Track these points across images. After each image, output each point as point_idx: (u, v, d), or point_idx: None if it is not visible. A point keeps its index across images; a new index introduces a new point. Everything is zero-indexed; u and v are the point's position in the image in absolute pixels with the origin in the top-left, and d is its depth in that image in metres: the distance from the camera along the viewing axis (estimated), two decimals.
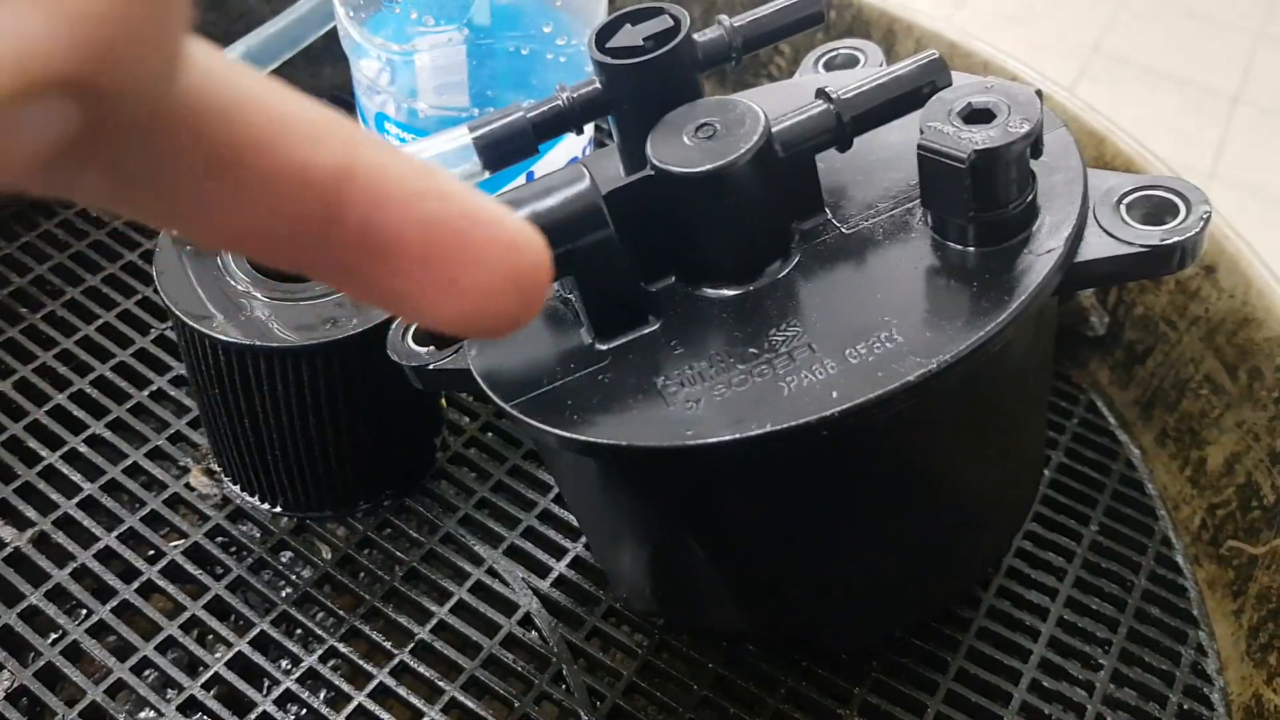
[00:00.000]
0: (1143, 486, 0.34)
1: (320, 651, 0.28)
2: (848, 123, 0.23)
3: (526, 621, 0.29)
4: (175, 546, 0.31)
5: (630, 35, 0.23)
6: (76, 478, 0.32)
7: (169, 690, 0.28)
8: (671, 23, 0.23)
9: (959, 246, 0.22)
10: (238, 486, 0.32)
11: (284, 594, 0.30)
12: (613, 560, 0.29)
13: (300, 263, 0.11)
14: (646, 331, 0.23)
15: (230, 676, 0.28)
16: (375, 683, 0.28)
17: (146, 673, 0.28)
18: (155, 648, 0.28)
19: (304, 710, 0.28)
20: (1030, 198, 0.22)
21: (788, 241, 0.24)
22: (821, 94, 0.23)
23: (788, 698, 0.28)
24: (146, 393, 0.34)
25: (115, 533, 0.30)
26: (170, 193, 0.10)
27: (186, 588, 0.30)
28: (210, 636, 0.29)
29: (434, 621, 0.29)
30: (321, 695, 0.28)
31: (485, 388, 0.23)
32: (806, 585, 0.27)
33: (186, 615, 0.29)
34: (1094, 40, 1.29)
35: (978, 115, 0.22)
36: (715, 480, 0.24)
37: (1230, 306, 0.33)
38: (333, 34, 0.32)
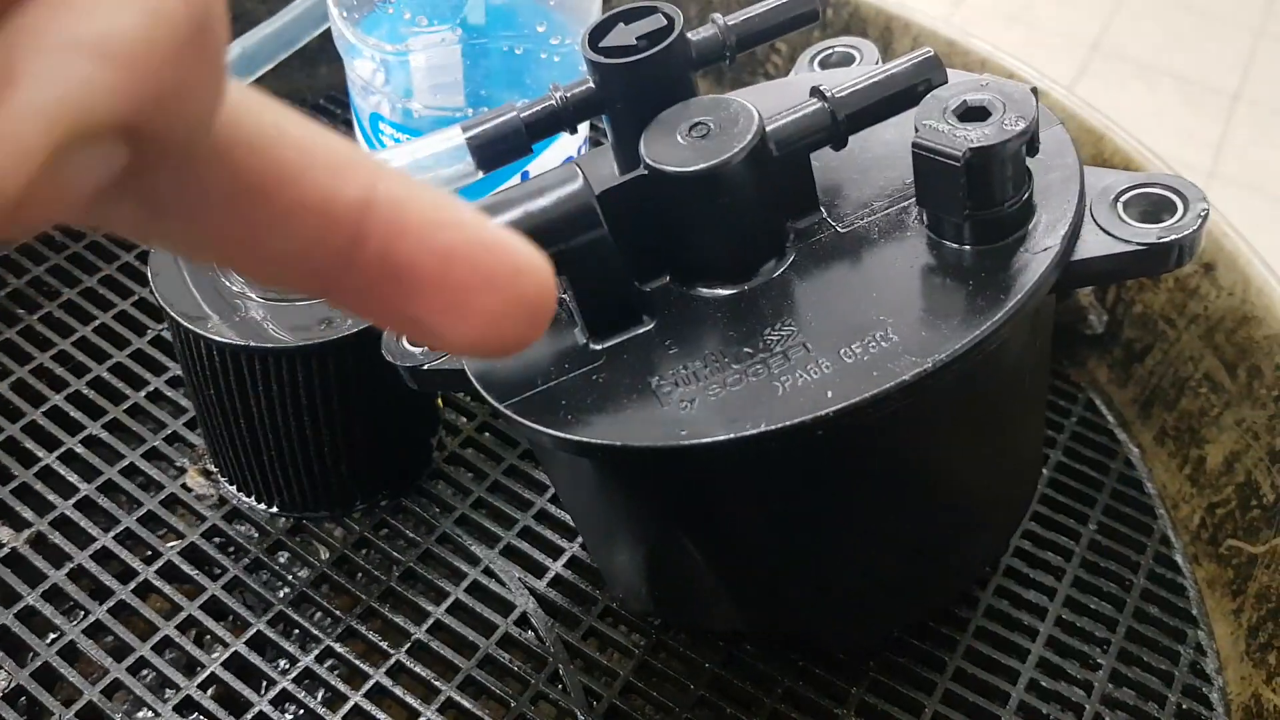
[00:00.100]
0: (1142, 485, 0.34)
1: (317, 651, 0.28)
2: (842, 121, 0.23)
3: (523, 621, 0.29)
4: (172, 547, 0.31)
5: (623, 34, 0.23)
6: (73, 478, 0.32)
7: (166, 690, 0.28)
8: (665, 21, 0.23)
9: (954, 245, 0.22)
10: (234, 487, 0.32)
11: (281, 594, 0.30)
12: (609, 560, 0.29)
13: (321, 289, 0.11)
14: (641, 331, 0.23)
15: (227, 677, 0.28)
16: (372, 683, 0.28)
17: (143, 673, 0.28)
18: (152, 648, 0.28)
19: (301, 710, 0.28)
20: (1026, 196, 0.22)
21: (782, 241, 0.24)
22: (816, 92, 0.23)
23: (785, 697, 0.28)
24: (143, 394, 0.34)
25: (112, 533, 0.30)
26: (199, 223, 0.10)
27: (183, 588, 0.30)
28: (207, 637, 0.29)
29: (430, 621, 0.29)
30: (318, 695, 0.28)
31: (479, 388, 0.23)
32: (803, 585, 0.27)
33: (183, 615, 0.29)
34: (1094, 37, 1.28)
35: (973, 113, 0.21)
36: (710, 480, 0.24)
37: (1229, 304, 0.33)
38: (329, 34, 0.32)
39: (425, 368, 0.25)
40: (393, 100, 0.31)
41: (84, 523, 0.31)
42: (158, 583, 0.30)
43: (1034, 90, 0.22)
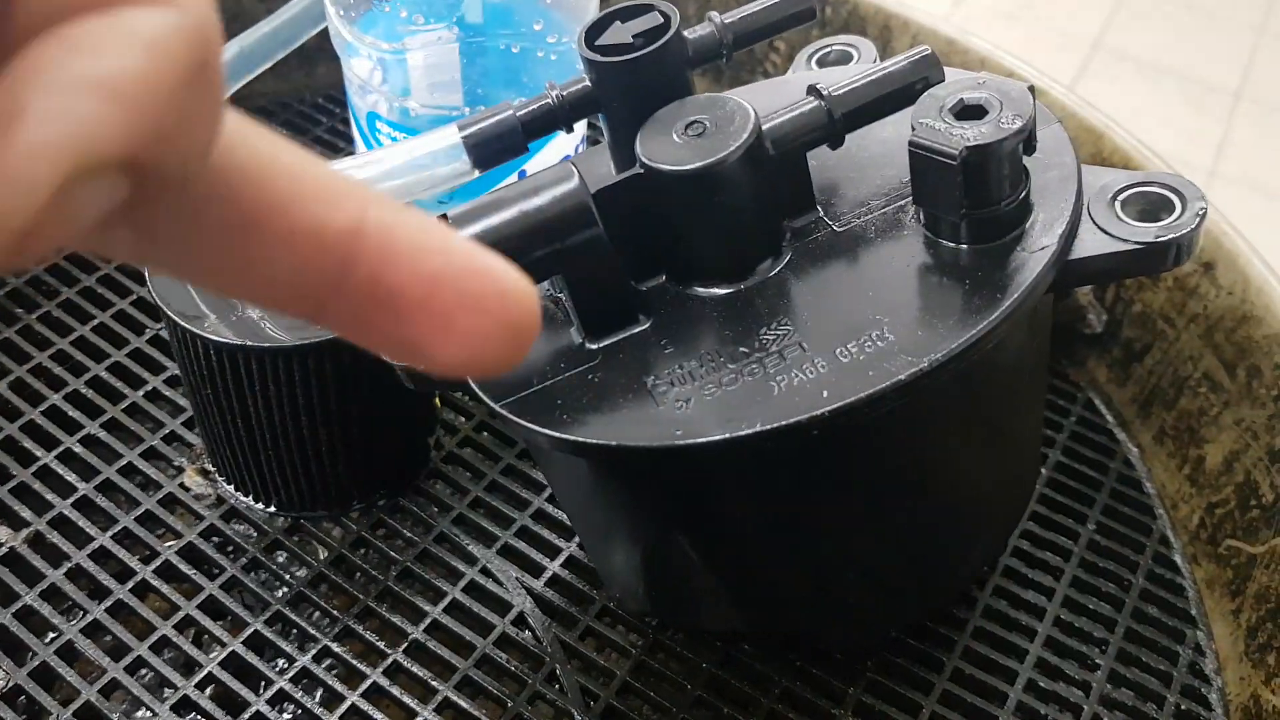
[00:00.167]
0: (1141, 485, 0.34)
1: (314, 651, 0.28)
2: (839, 120, 0.22)
3: (520, 621, 0.29)
4: (170, 546, 0.31)
5: (620, 33, 0.23)
6: (72, 478, 0.32)
7: (164, 690, 0.28)
8: (661, 20, 0.23)
9: (951, 244, 0.22)
10: (232, 486, 0.32)
11: (278, 594, 0.30)
12: (606, 560, 0.29)
13: (312, 313, 0.11)
14: (637, 330, 0.23)
15: (224, 676, 0.28)
16: (369, 682, 0.28)
17: (141, 673, 0.28)
18: (150, 647, 0.28)
19: (298, 710, 0.27)
20: (1023, 194, 0.22)
21: (779, 240, 0.23)
22: (813, 91, 0.23)
23: (782, 698, 0.28)
24: (141, 393, 0.34)
25: (110, 533, 0.30)
26: (194, 249, 0.11)
27: (181, 587, 0.30)
28: (205, 636, 0.29)
29: (428, 621, 0.29)
30: (316, 695, 0.28)
31: (475, 387, 0.23)
32: (799, 585, 0.26)
33: (181, 615, 0.29)
34: (1095, 36, 1.28)
35: (970, 111, 0.21)
36: (706, 480, 0.24)
37: (1229, 304, 0.33)
38: (327, 32, 0.32)
39: (421, 367, 0.25)
40: (390, 99, 0.31)
41: (82, 522, 0.31)
42: (156, 582, 0.30)
43: (1031, 88, 0.22)
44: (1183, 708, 0.29)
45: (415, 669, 0.28)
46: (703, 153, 0.22)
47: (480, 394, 0.23)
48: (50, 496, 0.31)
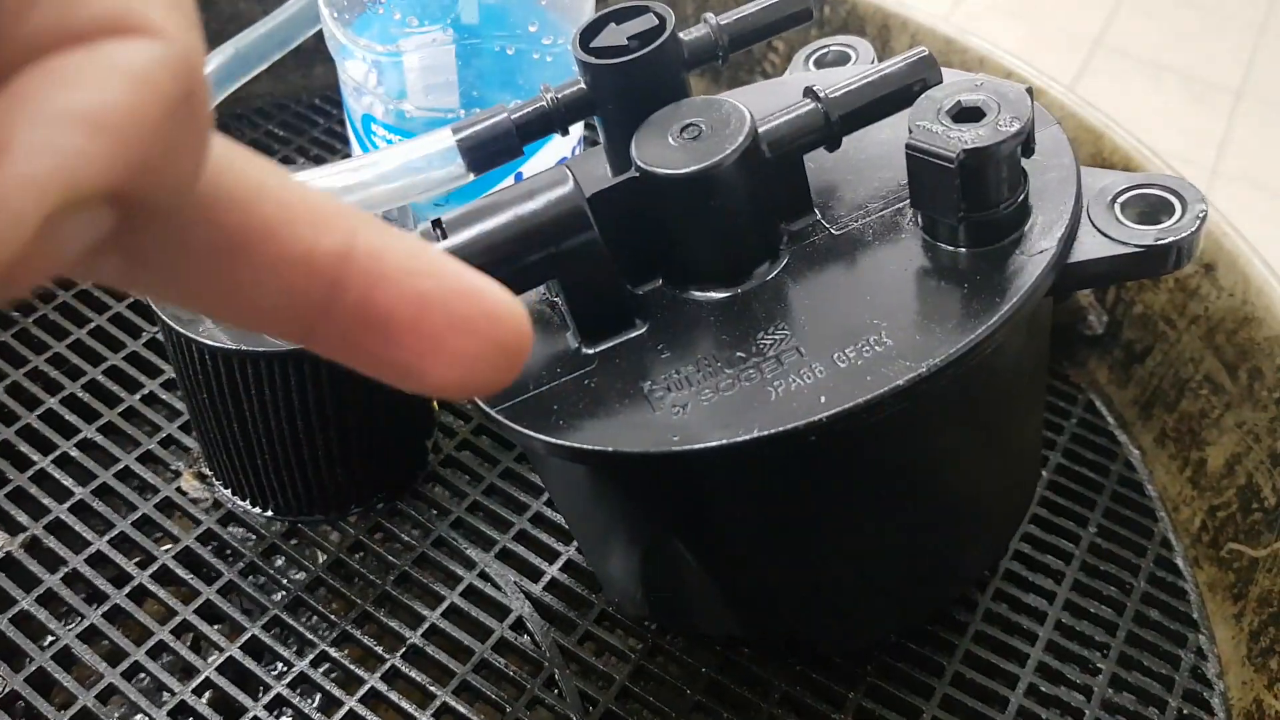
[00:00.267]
0: (1142, 488, 0.34)
1: (312, 656, 0.28)
2: (836, 122, 0.22)
3: (518, 626, 0.29)
4: (167, 551, 0.30)
5: (614, 35, 0.22)
6: (68, 482, 0.32)
7: (161, 695, 0.27)
8: (656, 21, 0.23)
9: (949, 247, 0.22)
10: (229, 491, 0.32)
11: (276, 598, 0.30)
12: (604, 564, 0.29)
13: (300, 336, 0.12)
14: (633, 335, 0.23)
15: (222, 682, 0.28)
16: (367, 687, 0.28)
17: (139, 678, 0.28)
18: (147, 652, 0.28)
19: (296, 715, 0.27)
20: (1022, 197, 0.22)
21: (776, 243, 0.23)
22: (810, 93, 0.23)
23: (782, 702, 0.28)
24: (138, 396, 0.34)
25: (107, 537, 0.30)
26: (182, 275, 0.11)
27: (178, 592, 0.30)
28: (202, 641, 0.29)
29: (426, 626, 0.29)
30: (314, 701, 0.28)
31: None
32: (799, 589, 0.26)
33: (178, 620, 0.29)
34: (1096, 34, 1.28)
35: (967, 113, 0.21)
36: (703, 485, 0.23)
37: (1230, 305, 0.32)
38: (323, 34, 0.32)
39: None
40: (385, 101, 0.31)
41: (79, 527, 0.31)
42: (153, 587, 0.29)
43: (1030, 90, 0.22)
44: (1185, 712, 0.29)
45: (413, 674, 0.28)
46: (699, 156, 0.21)
47: (476, 399, 0.22)
48: (46, 501, 0.31)
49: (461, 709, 0.27)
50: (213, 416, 0.29)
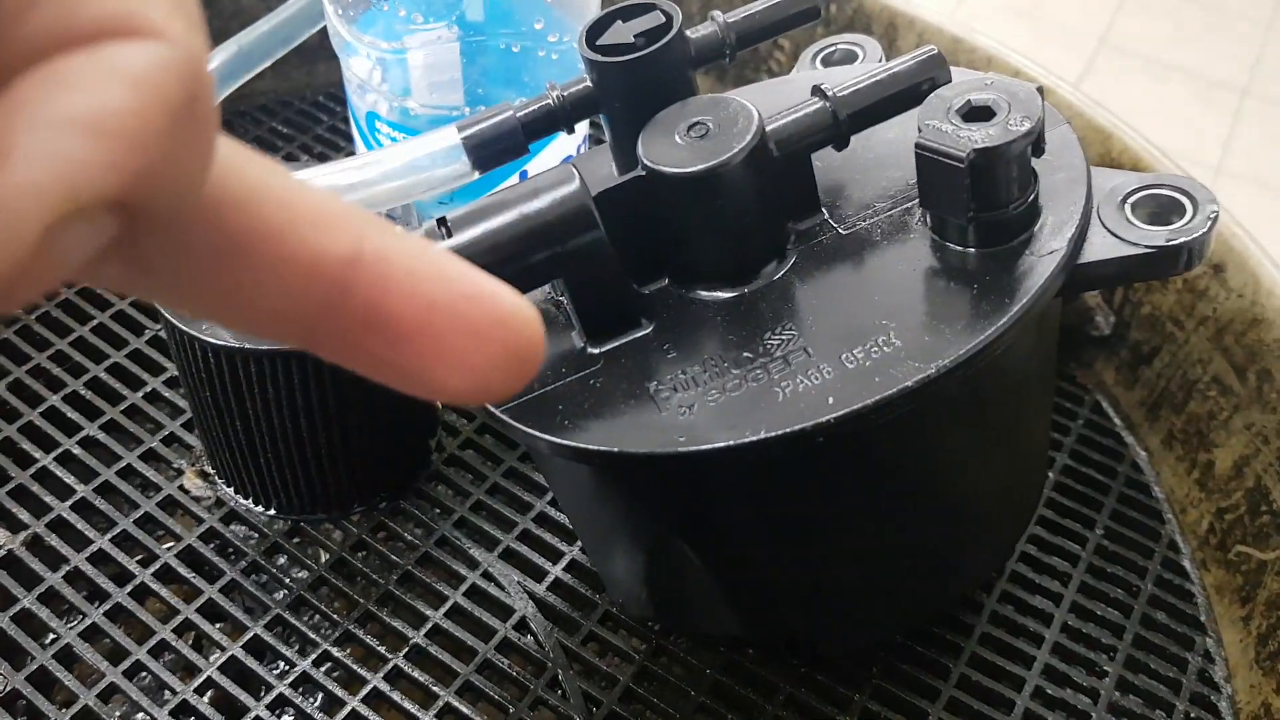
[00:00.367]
0: (1149, 489, 0.34)
1: (314, 656, 0.28)
2: (844, 121, 0.22)
3: (522, 626, 0.29)
4: (169, 549, 0.30)
5: (621, 32, 0.22)
6: (70, 480, 0.31)
7: (163, 694, 0.27)
8: (663, 19, 0.22)
9: (958, 248, 0.22)
10: (232, 489, 0.32)
11: (278, 597, 0.29)
12: (608, 565, 0.29)
13: (307, 341, 0.11)
14: (639, 335, 0.23)
15: (224, 681, 0.27)
16: (370, 687, 0.28)
17: (140, 676, 0.28)
18: (149, 651, 0.28)
19: (298, 715, 0.27)
20: (1032, 197, 0.22)
21: (783, 242, 0.23)
22: (817, 91, 0.22)
23: (787, 704, 0.28)
24: (140, 394, 0.34)
25: (109, 535, 0.30)
26: (186, 279, 0.11)
27: (180, 591, 0.30)
28: (204, 640, 0.29)
29: (429, 626, 0.29)
30: (316, 700, 0.28)
31: None
32: (804, 590, 0.26)
33: (180, 619, 0.29)
34: (1101, 32, 1.27)
35: (977, 113, 0.21)
36: (709, 486, 0.23)
37: (1239, 306, 0.32)
38: (327, 31, 0.31)
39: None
40: (389, 99, 0.31)
41: (81, 525, 0.30)
42: (155, 585, 0.29)
43: (1040, 89, 0.21)
44: (1192, 716, 0.29)
45: (416, 674, 0.28)
46: (706, 155, 0.21)
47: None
48: (49, 499, 0.31)
49: (464, 709, 0.27)
50: (215, 414, 0.29)
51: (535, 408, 0.22)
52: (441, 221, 0.22)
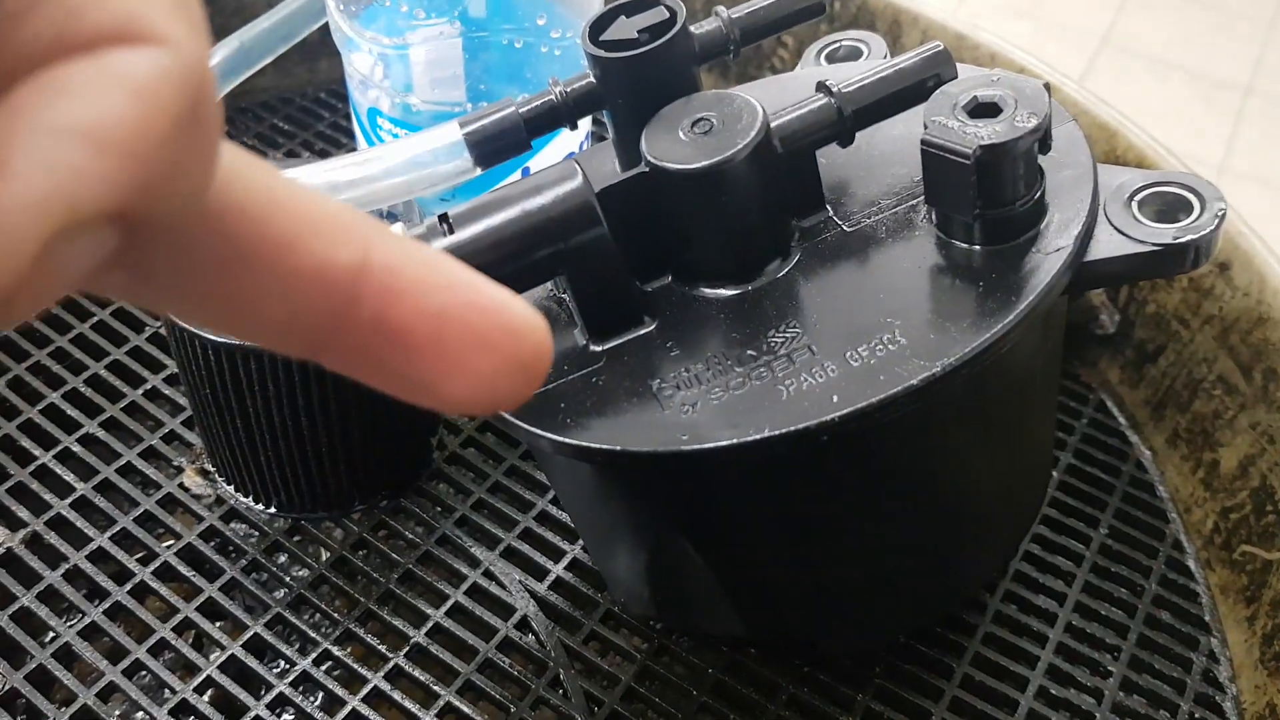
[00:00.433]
0: (1153, 489, 0.34)
1: (315, 655, 0.28)
2: (849, 117, 0.22)
3: (523, 625, 0.29)
4: (169, 547, 0.30)
5: (625, 28, 0.22)
6: (70, 477, 0.31)
7: (163, 693, 0.27)
8: (667, 14, 0.22)
9: (964, 245, 0.22)
10: (232, 487, 0.31)
11: (278, 596, 0.29)
12: (610, 563, 0.28)
13: (314, 352, 0.11)
14: (642, 332, 0.22)
15: (223, 680, 0.27)
16: (370, 687, 0.27)
17: (140, 675, 0.28)
18: (148, 650, 0.28)
19: (298, 714, 0.27)
20: (1038, 194, 0.22)
21: (787, 240, 0.23)
22: (822, 87, 0.22)
23: (789, 704, 0.28)
24: (141, 391, 0.34)
25: (108, 533, 0.30)
26: (189, 289, 0.10)
27: (180, 589, 0.29)
28: (204, 639, 0.29)
29: (430, 625, 0.29)
30: (316, 699, 0.28)
31: None
32: (807, 590, 0.26)
33: (180, 617, 0.29)
34: (1103, 31, 1.27)
35: (983, 109, 0.21)
36: (712, 485, 0.23)
37: (1245, 305, 0.32)
38: (329, 27, 0.31)
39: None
40: (391, 95, 0.30)
41: (80, 523, 0.30)
42: (154, 584, 0.29)
43: (1047, 85, 0.21)
44: (1196, 716, 0.28)
45: (417, 673, 0.28)
46: (710, 151, 0.21)
47: None
48: (48, 496, 0.31)
49: (465, 709, 0.27)
50: (216, 412, 0.29)
51: (537, 406, 0.22)
52: (443, 218, 0.22)
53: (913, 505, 0.24)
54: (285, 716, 0.27)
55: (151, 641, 0.28)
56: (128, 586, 0.29)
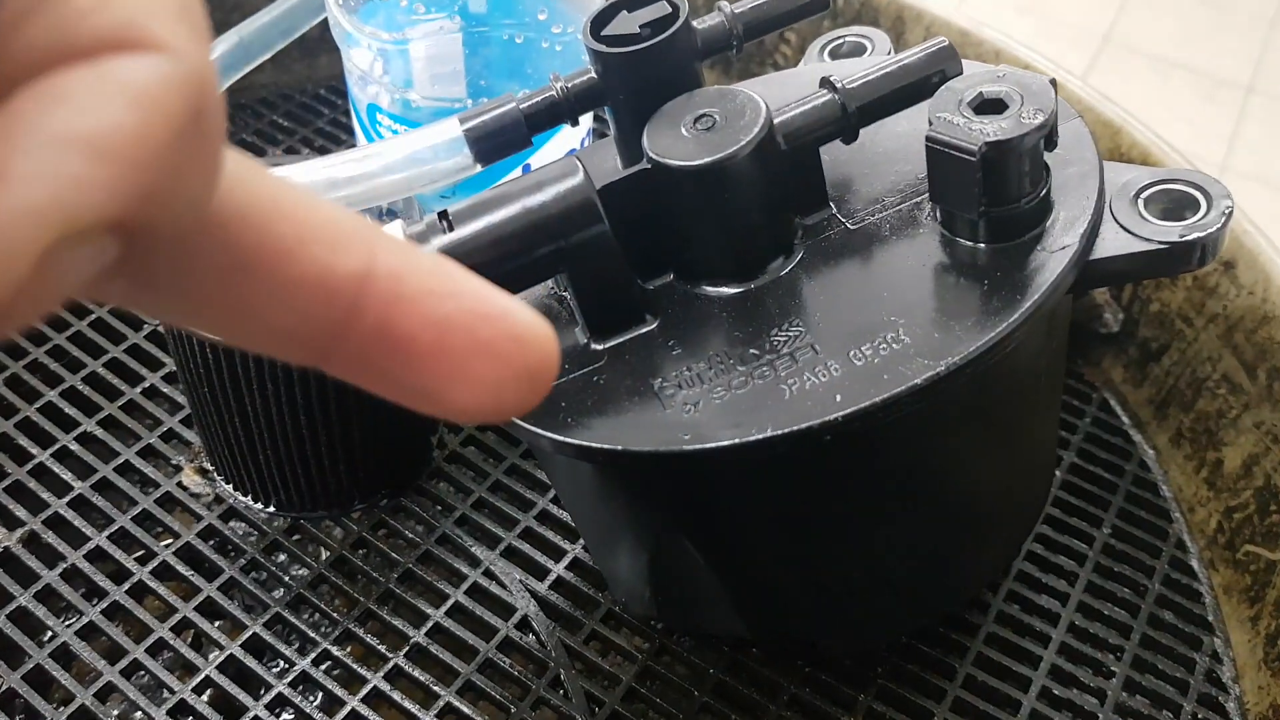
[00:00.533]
0: (1157, 488, 0.34)
1: (314, 655, 0.28)
2: (853, 113, 0.22)
3: (524, 625, 0.29)
4: (167, 547, 0.30)
5: (626, 22, 0.22)
6: (68, 476, 0.31)
7: (161, 693, 0.27)
8: (669, 9, 0.22)
9: (969, 243, 0.22)
10: (231, 486, 0.31)
11: (277, 595, 0.29)
12: (611, 563, 0.28)
13: (317, 359, 0.11)
14: (644, 331, 0.22)
15: (222, 680, 0.27)
16: (370, 687, 0.27)
17: (138, 675, 0.28)
18: (147, 650, 0.28)
19: (297, 714, 0.27)
20: (1044, 192, 0.21)
21: (790, 237, 0.23)
22: (826, 83, 0.22)
23: (791, 704, 0.27)
24: (139, 389, 0.34)
25: (106, 532, 0.30)
26: (191, 297, 0.10)
27: (179, 589, 0.29)
28: (203, 639, 0.28)
29: (430, 624, 0.29)
30: (315, 699, 0.27)
31: None
32: (809, 590, 0.26)
33: (178, 617, 0.28)
34: (1105, 29, 1.27)
35: (989, 105, 0.21)
36: (714, 485, 0.23)
37: (1249, 304, 0.32)
38: (328, 23, 0.31)
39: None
40: (391, 91, 0.30)
41: (78, 522, 0.30)
42: (153, 583, 0.29)
43: (1053, 82, 0.21)
44: (1199, 717, 0.28)
45: (417, 673, 0.28)
46: (712, 147, 0.21)
47: None
48: (46, 495, 0.31)
49: (465, 709, 0.27)
50: (214, 410, 0.29)
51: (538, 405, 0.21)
52: (443, 215, 0.21)
53: (915, 505, 0.24)
54: (284, 717, 0.27)
55: (150, 641, 0.28)
56: (126, 586, 0.29)
